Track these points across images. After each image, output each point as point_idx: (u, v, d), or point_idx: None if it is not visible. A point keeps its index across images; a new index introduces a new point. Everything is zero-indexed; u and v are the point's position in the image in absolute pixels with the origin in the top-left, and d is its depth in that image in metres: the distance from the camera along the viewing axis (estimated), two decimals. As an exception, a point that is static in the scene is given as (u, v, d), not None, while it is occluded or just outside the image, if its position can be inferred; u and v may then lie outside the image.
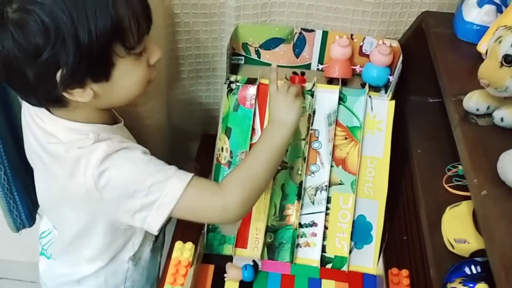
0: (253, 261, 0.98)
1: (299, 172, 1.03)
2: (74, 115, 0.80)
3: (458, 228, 0.81)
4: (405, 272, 0.95)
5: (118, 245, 0.92)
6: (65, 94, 0.74)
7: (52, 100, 0.77)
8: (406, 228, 1.07)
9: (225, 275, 0.98)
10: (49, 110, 0.80)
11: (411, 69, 1.01)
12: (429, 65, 0.96)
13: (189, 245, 0.98)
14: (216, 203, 0.81)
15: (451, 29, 0.94)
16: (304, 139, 1.03)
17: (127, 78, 0.77)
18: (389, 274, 0.94)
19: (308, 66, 1.09)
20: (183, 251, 0.97)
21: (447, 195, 0.90)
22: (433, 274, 0.80)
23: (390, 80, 1.02)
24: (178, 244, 0.98)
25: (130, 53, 0.75)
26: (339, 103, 1.03)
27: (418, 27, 1.00)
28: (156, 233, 0.81)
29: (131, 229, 0.90)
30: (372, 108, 1.03)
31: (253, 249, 1.02)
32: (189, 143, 1.34)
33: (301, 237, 1.02)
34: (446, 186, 0.90)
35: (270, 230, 1.02)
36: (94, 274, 0.93)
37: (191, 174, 0.80)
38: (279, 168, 1.03)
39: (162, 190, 0.77)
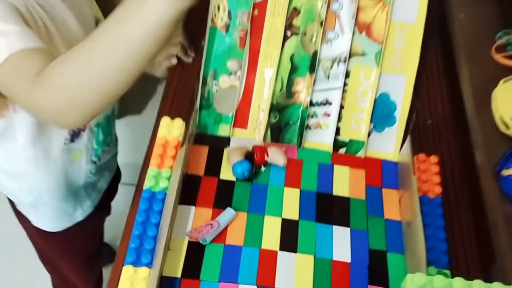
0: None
1: (313, 39, 0.84)
2: None
3: (515, 105, 0.66)
4: (434, 158, 0.81)
5: None
6: None
7: None
8: (431, 110, 0.93)
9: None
10: None
11: None
12: None
13: (179, 122, 0.82)
14: (27, 98, 0.55)
15: None
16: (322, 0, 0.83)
17: None
18: (414, 160, 0.80)
19: None
20: (171, 129, 0.81)
21: (497, 66, 0.74)
22: (481, 159, 0.66)
23: None
24: (165, 120, 0.82)
25: None
26: (366, -46, 0.82)
27: None
28: None
29: None
30: (406, -35, 0.83)
31: (254, 130, 0.86)
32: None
33: (312, 117, 0.86)
34: (496, 56, 0.74)
35: (275, 108, 0.86)
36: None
37: (27, 45, 0.55)
38: (288, 34, 0.84)
39: None
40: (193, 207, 0.77)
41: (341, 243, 0.75)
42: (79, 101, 0.52)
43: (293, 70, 0.85)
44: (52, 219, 0.90)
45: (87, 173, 0.89)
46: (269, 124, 0.86)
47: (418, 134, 0.86)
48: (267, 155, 0.82)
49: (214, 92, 0.86)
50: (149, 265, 0.66)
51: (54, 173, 0.83)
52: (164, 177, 0.75)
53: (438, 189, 0.78)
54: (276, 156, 0.82)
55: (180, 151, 0.76)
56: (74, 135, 0.81)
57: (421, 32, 0.84)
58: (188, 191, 0.78)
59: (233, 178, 0.80)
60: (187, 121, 0.81)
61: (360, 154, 0.86)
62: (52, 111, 0.53)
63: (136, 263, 0.66)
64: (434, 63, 0.91)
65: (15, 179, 0.84)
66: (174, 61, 0.97)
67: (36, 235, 0.95)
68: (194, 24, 0.93)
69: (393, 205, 0.80)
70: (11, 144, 0.75)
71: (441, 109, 0.93)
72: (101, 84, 0.52)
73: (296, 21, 0.85)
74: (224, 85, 0.86)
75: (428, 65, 0.87)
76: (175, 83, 0.93)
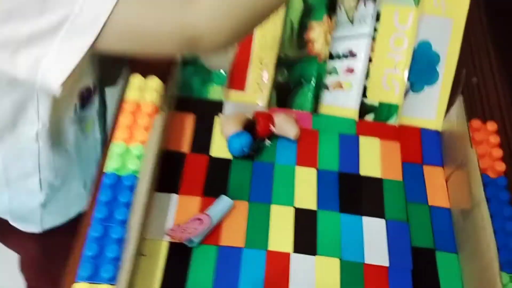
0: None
1: (331, -30, 0.64)
2: None
3: None
4: (491, 125, 0.62)
5: (6, 112, 0.55)
6: None
7: None
8: (475, 65, 0.73)
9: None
10: None
11: None
12: None
13: (154, 81, 0.61)
14: (174, 19, 0.45)
15: None
16: None
17: None
18: (470, 125, 0.61)
19: None
20: (144, 91, 0.60)
21: None
22: None
23: None
24: (136, 79, 0.61)
25: None
26: None
27: None
28: (58, 91, 0.44)
29: (22, 86, 0.53)
30: None
31: (255, 92, 0.66)
32: None
33: (331, 74, 0.66)
34: None
35: (283, 62, 0.66)
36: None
37: None
38: (298, -35, 0.64)
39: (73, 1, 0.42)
40: (175, 196, 0.57)
41: (374, 241, 0.56)
42: (236, 13, 0.46)
43: (306, 11, 0.65)
44: (66, 204, 0.68)
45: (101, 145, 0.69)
46: (275, 84, 0.66)
47: (468, 95, 0.66)
48: (273, 125, 0.62)
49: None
50: (112, 281, 0.47)
51: (67, 150, 0.63)
52: (133, 156, 0.55)
53: (501, 166, 0.59)
54: (284, 125, 0.63)
55: (156, 120, 0.56)
56: (85, 100, 0.61)
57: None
58: (169, 174, 0.59)
59: (228, 156, 0.61)
60: (165, 81, 0.61)
61: (393, 121, 0.66)
62: (207, 27, 0.46)
63: (93, 278, 0.47)
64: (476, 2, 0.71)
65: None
66: None
67: (32, 249, 0.73)
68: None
69: (439, 188, 0.61)
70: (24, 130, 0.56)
71: (487, 63, 0.74)
72: None
73: None
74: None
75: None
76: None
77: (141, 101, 0.59)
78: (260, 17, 0.49)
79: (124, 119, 0.57)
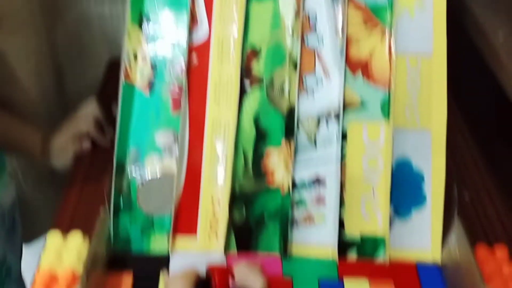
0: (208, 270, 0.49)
1: (286, 90, 0.56)
2: None
3: None
4: (501, 251, 0.51)
5: None
6: None
7: None
8: (464, 179, 0.64)
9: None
10: None
11: None
12: None
13: (76, 237, 0.48)
14: None
15: None
16: (289, 31, 0.56)
17: None
18: (476, 254, 0.49)
19: None
20: (62, 253, 0.47)
21: None
22: None
23: None
24: (53, 239, 0.48)
25: None
26: (348, -38, 0.57)
27: None
28: None
29: None
30: (406, -31, 0.58)
31: (209, 236, 0.54)
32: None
33: (298, 206, 0.55)
34: None
35: (240, 198, 0.54)
36: None
37: None
38: (247, 86, 0.56)
39: None
40: None
41: None
42: None
43: (260, 138, 0.55)
44: None
45: None
46: (233, 225, 0.54)
47: (464, 216, 0.55)
48: (233, 278, 0.49)
49: (138, 185, 0.54)
50: None
51: None
52: None
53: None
54: (248, 277, 0.49)
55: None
56: None
57: (443, 66, 0.57)
58: None
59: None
60: (90, 234, 0.48)
61: (381, 257, 0.54)
62: None
63: None
64: (451, 109, 0.64)
65: None
66: (86, 144, 0.66)
67: None
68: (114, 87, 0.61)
69: None
70: None
71: (477, 175, 0.65)
72: None
73: (257, 67, 0.56)
74: (153, 172, 0.55)
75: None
76: (81, 178, 0.61)
77: (58, 269, 0.45)
78: None
79: (34, 293, 0.43)
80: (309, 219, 0.55)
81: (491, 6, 0.59)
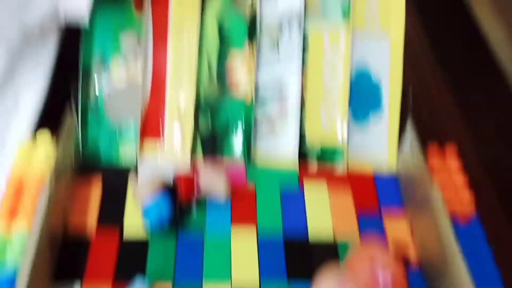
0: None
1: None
2: None
3: None
4: (453, 161, 0.54)
5: None
6: None
7: None
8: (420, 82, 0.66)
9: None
10: None
11: None
12: None
13: (44, 142, 0.49)
14: None
15: None
16: None
17: None
18: (428, 163, 0.52)
19: None
20: (32, 157, 0.48)
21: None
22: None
23: None
24: (23, 143, 0.49)
25: None
26: None
27: None
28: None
29: None
30: None
31: (174, 145, 0.55)
32: None
33: (261, 118, 0.56)
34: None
35: (204, 107, 0.55)
36: None
37: None
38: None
39: None
40: (77, 284, 0.44)
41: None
42: None
43: (224, 41, 0.55)
44: None
45: None
46: (198, 133, 0.55)
47: (418, 120, 0.57)
48: (198, 185, 0.51)
49: (105, 93, 0.54)
50: None
51: None
52: (15, 245, 0.42)
53: (470, 206, 0.50)
54: (212, 183, 0.51)
55: (43, 192, 0.43)
56: None
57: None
58: (69, 259, 0.46)
59: (144, 230, 0.49)
60: (59, 139, 0.49)
61: (340, 167, 0.57)
62: None
63: None
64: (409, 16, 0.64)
65: None
66: None
67: None
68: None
69: (404, 243, 0.51)
70: None
71: (433, 81, 0.66)
72: None
73: (221, -28, 0.55)
74: (119, 78, 0.55)
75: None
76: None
77: (27, 172, 0.47)
78: None
79: (5, 200, 0.44)
80: (272, 129, 0.56)
81: None
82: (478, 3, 0.48)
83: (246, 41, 0.54)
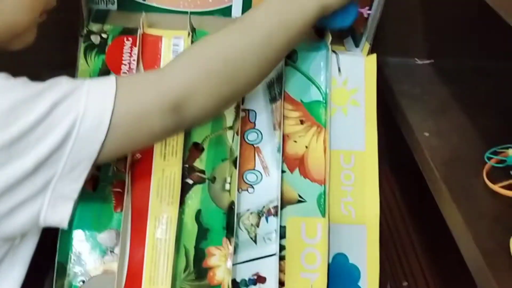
0: None
1: (226, 186, 0.58)
2: None
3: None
4: None
5: None
6: None
7: None
8: (404, 270, 0.67)
9: None
10: None
11: (387, 15, 0.61)
12: (416, 4, 0.66)
13: None
14: (156, 92, 0.46)
15: None
16: (230, 128, 0.59)
17: None
18: None
19: (227, 11, 0.66)
20: None
21: (498, 200, 0.50)
22: None
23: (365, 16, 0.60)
24: None
25: None
26: (285, 64, 0.60)
27: None
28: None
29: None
30: (339, 70, 0.62)
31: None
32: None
33: (239, 303, 0.56)
34: (492, 186, 0.51)
35: (180, 299, 0.55)
36: None
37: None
38: (190, 182, 0.57)
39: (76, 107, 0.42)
40: None
41: None
42: (209, 69, 0.47)
43: (202, 234, 0.57)
44: None
45: None
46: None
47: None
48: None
49: (79, 283, 0.55)
50: None
51: None
52: None
53: None
54: None
55: None
56: None
57: (374, 161, 0.60)
58: None
59: None
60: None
61: None
62: (185, 87, 0.46)
63: None
64: (392, 202, 0.67)
65: None
66: None
67: None
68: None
69: None
70: None
71: (417, 266, 0.67)
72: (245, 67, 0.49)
73: (200, 163, 0.58)
74: (95, 270, 0.55)
75: (387, 208, 0.63)
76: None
77: None
78: (239, 74, 0.49)
79: None
80: (250, 316, 0.56)
81: (420, 100, 0.63)
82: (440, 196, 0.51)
83: (224, 239, 0.56)
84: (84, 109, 0.42)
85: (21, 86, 0.42)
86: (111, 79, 0.45)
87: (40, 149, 0.41)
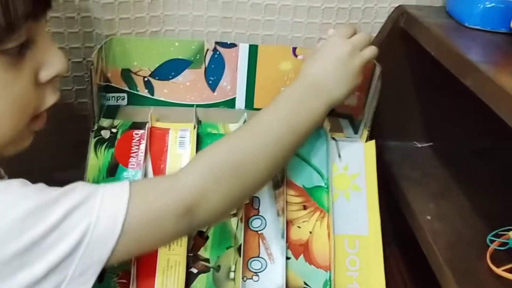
0: None
1: (231, 275, 0.58)
2: None
3: None
4: None
5: None
6: None
7: None
8: None
9: None
10: None
11: (385, 101, 0.64)
12: (412, 90, 0.68)
13: None
14: (169, 198, 0.47)
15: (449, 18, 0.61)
16: (234, 215, 0.60)
17: None
18: None
19: (231, 103, 0.69)
20: None
21: (502, 283, 0.49)
22: None
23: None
24: None
25: None
26: (287, 152, 0.62)
27: (393, 28, 0.66)
28: None
29: None
30: (339, 156, 0.64)
31: None
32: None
33: None
34: (496, 269, 0.50)
35: None
36: None
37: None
38: (195, 271, 0.58)
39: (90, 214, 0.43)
40: None
41: None
42: (221, 174, 0.48)
43: (208, 325, 0.56)
44: None
45: None
46: None
47: None
48: None
49: None
50: None
51: None
52: None
53: None
54: None
55: None
56: None
57: (379, 245, 0.60)
58: None
59: None
60: None
61: None
62: (196, 192, 0.47)
63: None
64: (400, 283, 0.66)
65: None
66: None
67: None
68: None
69: None
70: None
71: None
72: (258, 170, 0.50)
73: (204, 252, 0.59)
74: None
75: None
76: None
77: None
78: (250, 176, 0.49)
79: None
80: None
81: (421, 183, 0.64)
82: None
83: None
84: (97, 216, 0.42)
85: (37, 194, 0.43)
86: (125, 184, 0.46)
87: (51, 257, 0.41)
